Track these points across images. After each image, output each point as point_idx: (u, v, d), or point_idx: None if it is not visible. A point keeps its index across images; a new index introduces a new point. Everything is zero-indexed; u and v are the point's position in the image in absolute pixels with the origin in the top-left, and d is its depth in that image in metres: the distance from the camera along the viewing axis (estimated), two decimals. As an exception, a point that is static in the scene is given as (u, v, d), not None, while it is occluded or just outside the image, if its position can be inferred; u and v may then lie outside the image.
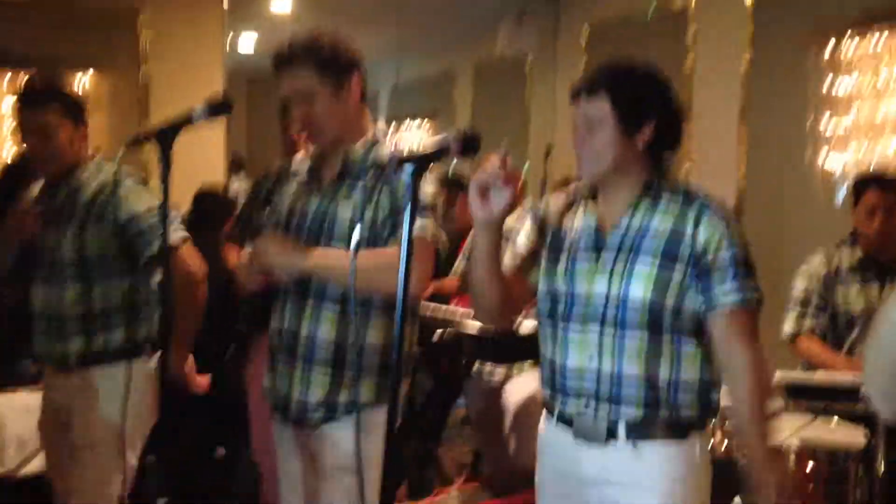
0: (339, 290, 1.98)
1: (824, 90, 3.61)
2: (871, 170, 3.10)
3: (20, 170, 3.63)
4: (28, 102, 2.40)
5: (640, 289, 1.72)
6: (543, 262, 1.90)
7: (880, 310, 0.97)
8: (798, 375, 2.75)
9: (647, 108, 1.77)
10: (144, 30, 5.29)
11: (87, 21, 5.19)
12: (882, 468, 2.34)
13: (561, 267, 1.84)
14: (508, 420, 3.38)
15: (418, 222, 1.90)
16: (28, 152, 2.44)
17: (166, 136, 1.79)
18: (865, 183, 2.88)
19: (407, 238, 1.46)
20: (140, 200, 2.39)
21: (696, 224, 1.73)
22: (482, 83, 7.24)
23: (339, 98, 2.02)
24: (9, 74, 5.21)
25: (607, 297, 1.75)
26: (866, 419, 2.41)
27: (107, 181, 2.41)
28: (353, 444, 1.90)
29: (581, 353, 1.78)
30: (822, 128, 3.62)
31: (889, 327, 0.92)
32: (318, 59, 1.98)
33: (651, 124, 1.76)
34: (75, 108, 2.43)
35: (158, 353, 2.41)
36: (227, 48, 5.67)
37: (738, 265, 1.72)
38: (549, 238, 1.91)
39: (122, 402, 2.33)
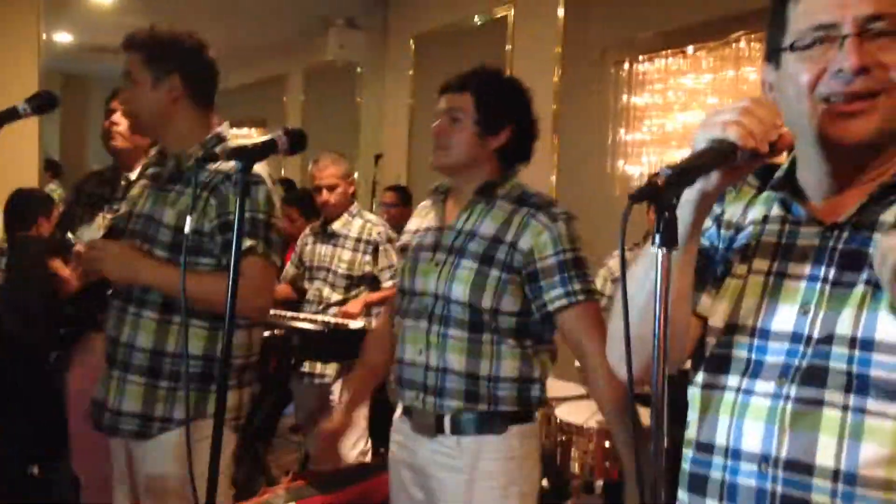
0: (159, 299, 1.92)
1: (621, 105, 3.96)
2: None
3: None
4: None
5: (460, 289, 1.81)
6: (404, 261, 1.99)
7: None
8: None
9: (506, 114, 1.87)
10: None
11: None
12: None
13: (407, 264, 1.94)
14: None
15: (254, 238, 1.88)
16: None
17: (-16, 133, 1.76)
18: None
19: (236, 240, 1.45)
20: None
21: (521, 230, 1.80)
22: (312, 89, 7.26)
23: (156, 88, 1.97)
24: None
25: (435, 295, 1.84)
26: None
27: None
28: (175, 462, 1.88)
29: (414, 347, 1.87)
30: (620, 139, 3.97)
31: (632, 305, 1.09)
32: (145, 47, 1.98)
33: (507, 130, 1.86)
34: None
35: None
36: (43, 43, 5.39)
37: (566, 268, 1.79)
38: (406, 237, 2.01)
39: None
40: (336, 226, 3.52)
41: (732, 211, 1.16)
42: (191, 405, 1.90)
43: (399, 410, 1.96)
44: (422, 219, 2.01)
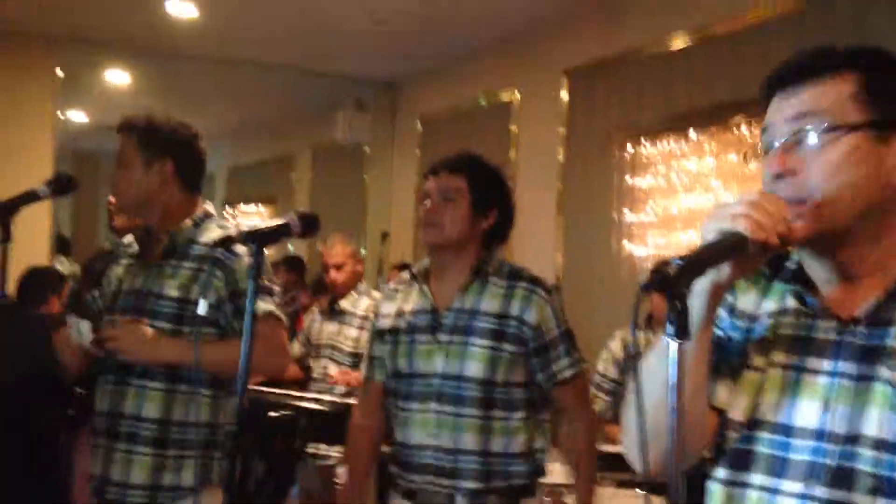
0: (164, 369, 1.95)
1: (626, 187, 4.01)
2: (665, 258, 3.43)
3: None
4: None
5: (473, 367, 1.85)
6: (386, 345, 2.00)
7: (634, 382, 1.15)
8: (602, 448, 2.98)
9: (494, 197, 1.99)
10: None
11: None
12: None
13: (402, 347, 1.95)
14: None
15: (267, 303, 1.98)
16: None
17: (4, 213, 1.79)
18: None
19: (250, 313, 1.52)
20: None
21: (526, 304, 1.89)
22: (320, 168, 7.37)
23: (146, 172, 2.03)
24: None
25: (444, 376, 1.87)
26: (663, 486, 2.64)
27: None
28: None
29: (422, 429, 1.88)
30: (625, 219, 4.00)
31: (644, 395, 1.09)
32: (140, 131, 2.04)
33: (495, 212, 1.98)
34: None
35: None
36: (58, 122, 5.52)
37: (566, 340, 1.93)
38: (388, 321, 2.02)
39: None
40: (344, 303, 3.55)
41: (745, 300, 1.16)
42: (197, 473, 1.94)
43: (395, 496, 1.96)
44: (397, 302, 2.03)
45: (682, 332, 0.95)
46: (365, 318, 3.48)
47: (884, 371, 1.00)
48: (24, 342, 3.29)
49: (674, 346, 0.97)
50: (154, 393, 1.96)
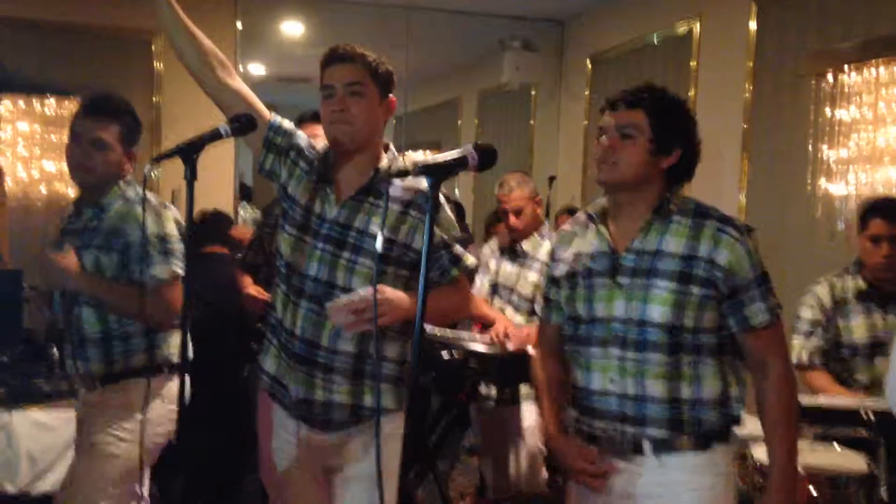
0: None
1: (824, 120, 3.66)
2: (875, 197, 3.11)
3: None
4: (90, 113, 2.43)
5: (657, 311, 1.76)
6: (563, 289, 1.95)
7: None
8: (801, 399, 2.77)
9: (678, 133, 1.85)
10: (158, 56, 5.40)
11: (101, 48, 5.30)
12: (884, 494, 2.36)
13: (580, 291, 1.89)
14: (518, 443, 3.38)
15: (471, 257, 2.13)
16: (69, 159, 2.45)
17: (190, 153, 1.84)
18: (871, 211, 2.86)
19: (427, 243, 1.51)
20: (155, 225, 2.38)
21: (715, 245, 1.77)
22: (486, 112, 7.32)
23: (379, 106, 2.08)
24: (22, 100, 5.31)
25: (626, 321, 1.79)
26: (867, 445, 2.43)
27: (129, 204, 2.40)
28: (375, 450, 1.93)
29: (603, 375, 1.82)
30: (822, 156, 3.66)
31: None
32: (371, 64, 2.07)
33: (678, 149, 1.84)
34: (132, 133, 2.48)
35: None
36: (241, 75, 5.76)
37: (762, 284, 1.79)
38: (564, 266, 1.97)
39: (139, 420, 2.33)
40: (525, 246, 3.39)
41: None
42: (392, 401, 2.08)
43: (579, 439, 1.90)
44: (574, 244, 1.95)
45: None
46: (547, 263, 3.36)
47: None
48: (222, 283, 3.50)
49: None
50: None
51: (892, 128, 3.39)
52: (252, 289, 3.09)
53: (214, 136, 1.90)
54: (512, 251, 3.41)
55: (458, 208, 5.71)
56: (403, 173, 1.90)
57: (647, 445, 1.79)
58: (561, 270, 1.96)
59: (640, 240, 1.82)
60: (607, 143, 1.84)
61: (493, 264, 3.50)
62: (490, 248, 3.59)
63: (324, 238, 2.05)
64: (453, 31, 6.50)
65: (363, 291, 1.90)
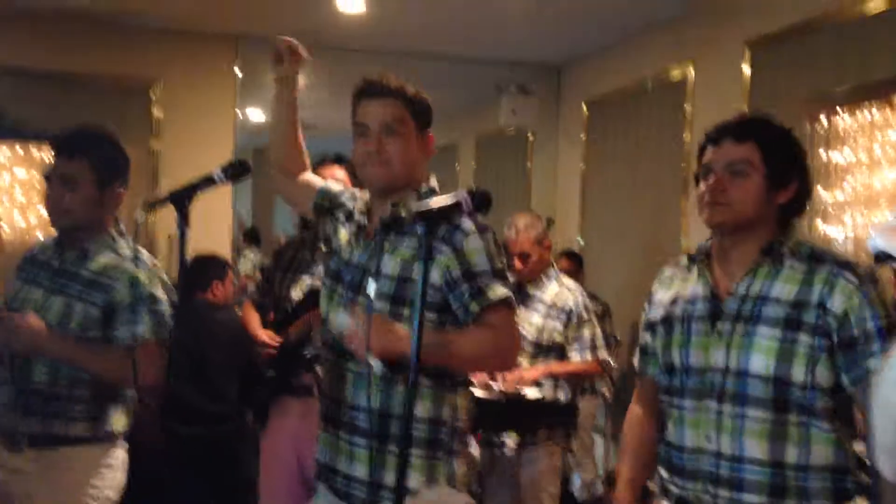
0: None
1: (819, 162, 3.67)
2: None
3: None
4: (58, 151, 2.24)
5: (761, 361, 1.60)
6: (659, 336, 1.79)
7: (880, 373, 0.98)
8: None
9: (793, 166, 1.70)
10: (157, 103, 5.44)
11: (100, 95, 5.35)
12: None
13: (676, 337, 1.74)
14: (520, 492, 3.31)
15: (502, 288, 1.80)
16: (45, 203, 2.27)
17: (183, 198, 1.81)
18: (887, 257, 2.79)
19: (421, 291, 1.46)
20: (147, 284, 2.20)
21: (829, 290, 1.59)
22: (484, 156, 7.36)
23: (418, 140, 1.91)
24: (20, 146, 5.35)
25: (725, 371, 1.64)
26: (867, 490, 2.35)
27: (119, 259, 2.21)
28: None
29: (697, 431, 1.67)
30: (818, 198, 3.66)
31: (888, 387, 0.93)
32: (408, 98, 1.91)
33: (795, 184, 1.69)
34: (109, 168, 2.24)
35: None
36: (238, 121, 5.79)
37: (883, 335, 1.57)
38: (661, 310, 1.81)
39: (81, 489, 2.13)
40: (530, 288, 3.34)
41: None
42: (423, 473, 1.80)
43: (665, 501, 1.75)
44: (673, 288, 1.80)
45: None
46: (552, 305, 3.27)
47: None
48: (203, 330, 3.46)
49: None
50: (372, 381, 1.80)
51: (888, 171, 3.39)
52: (262, 332, 3.03)
53: (207, 182, 1.88)
54: (518, 294, 3.37)
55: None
56: (399, 221, 1.84)
57: None
58: (657, 315, 1.81)
59: (746, 284, 1.66)
60: (715, 180, 1.68)
61: None
62: None
63: (348, 285, 1.90)
64: (451, 76, 6.56)
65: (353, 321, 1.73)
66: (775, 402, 1.59)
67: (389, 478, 1.76)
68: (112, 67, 5.33)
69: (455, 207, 1.54)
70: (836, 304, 1.58)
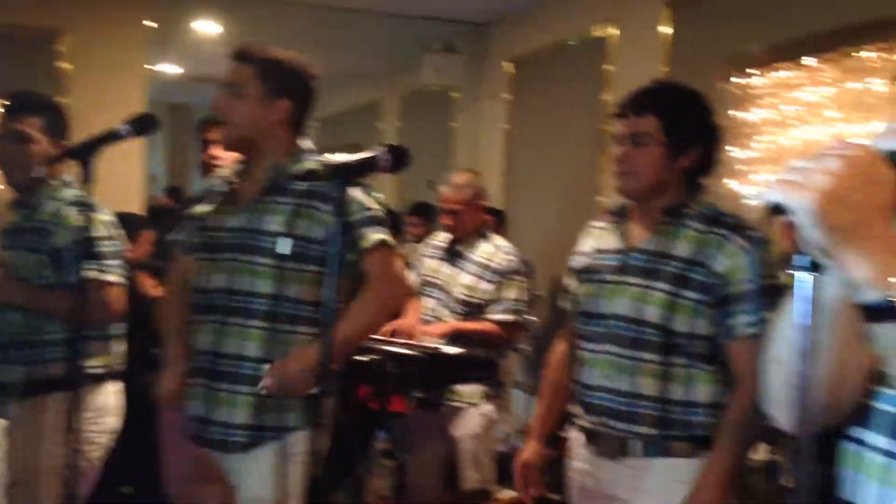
0: (265, 308, 1.95)
1: (732, 122, 3.75)
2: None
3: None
4: (11, 110, 2.40)
5: (653, 311, 1.75)
6: (578, 284, 1.95)
7: (772, 331, 1.01)
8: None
9: (693, 132, 1.81)
10: (64, 57, 5.19)
11: (4, 46, 5.07)
12: (786, 482, 2.42)
13: (590, 287, 1.89)
14: (447, 446, 3.34)
15: (379, 233, 1.98)
16: (1, 159, 2.42)
17: (84, 153, 1.78)
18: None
19: (335, 250, 1.50)
20: (85, 227, 2.28)
21: (718, 251, 1.73)
22: (408, 115, 7.30)
23: (264, 104, 1.99)
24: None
25: (625, 318, 1.79)
26: (766, 434, 2.49)
27: (59, 204, 2.36)
28: (275, 471, 1.89)
29: (600, 371, 1.82)
30: (732, 157, 3.76)
31: (777, 345, 0.97)
32: (258, 61, 1.99)
33: (696, 148, 1.80)
34: (57, 126, 2.41)
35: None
36: (150, 74, 5.59)
37: (757, 296, 1.71)
38: (583, 259, 1.97)
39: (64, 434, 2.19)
40: (460, 247, 3.32)
41: None
42: (298, 417, 1.96)
43: (577, 435, 1.92)
44: (597, 240, 1.95)
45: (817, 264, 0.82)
46: (483, 266, 3.25)
47: None
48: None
49: (807, 279, 0.83)
50: (254, 332, 1.95)
51: (794, 130, 3.50)
52: (155, 291, 2.98)
53: (111, 136, 1.84)
54: (448, 251, 3.36)
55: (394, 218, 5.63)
56: (311, 174, 1.89)
57: (635, 445, 1.78)
58: (579, 263, 1.97)
59: (651, 241, 1.82)
60: (621, 152, 1.82)
61: (426, 262, 3.41)
62: (431, 245, 3.48)
63: (228, 248, 2.00)
64: (374, 32, 6.46)
65: (268, 379, 1.92)
66: (664, 347, 1.75)
67: (269, 420, 1.95)
68: (16, 18, 5.05)
69: (372, 162, 1.54)
70: (722, 265, 1.73)
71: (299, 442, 1.95)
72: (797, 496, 0.88)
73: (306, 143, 2.10)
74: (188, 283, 2.08)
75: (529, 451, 2.08)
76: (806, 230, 0.81)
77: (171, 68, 7.33)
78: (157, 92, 5.81)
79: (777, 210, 0.82)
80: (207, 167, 2.93)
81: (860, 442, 0.94)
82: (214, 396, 1.98)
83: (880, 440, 0.91)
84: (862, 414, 0.94)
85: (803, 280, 0.84)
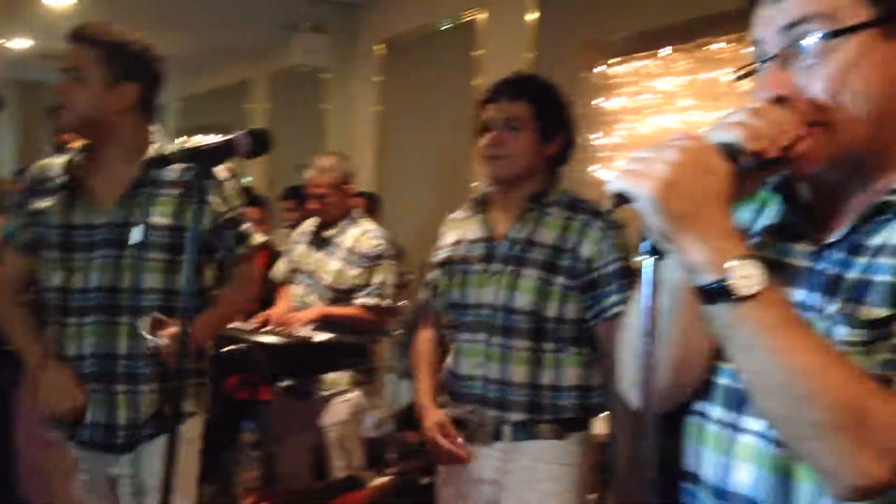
0: (157, 303, 1.87)
1: (594, 110, 3.88)
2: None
3: None
4: None
5: (523, 298, 1.80)
6: (443, 276, 1.96)
7: (625, 316, 1.06)
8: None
9: (559, 120, 1.89)
10: None
11: None
12: (624, 456, 2.53)
13: (456, 278, 1.91)
14: (313, 435, 3.31)
15: (252, 237, 2.00)
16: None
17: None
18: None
19: (193, 235, 1.46)
20: None
21: (581, 238, 1.81)
22: (277, 96, 7.13)
23: (108, 91, 1.87)
24: None
25: (495, 307, 1.83)
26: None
27: None
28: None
29: (471, 360, 1.85)
30: (593, 143, 3.89)
31: (630, 330, 1.01)
32: (98, 43, 1.86)
33: (561, 136, 1.88)
34: None
35: None
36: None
37: (621, 277, 1.81)
38: (446, 251, 1.99)
39: None
40: (328, 233, 3.28)
41: (743, 215, 1.03)
42: (194, 401, 1.95)
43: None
44: (459, 230, 1.96)
45: (659, 249, 0.86)
46: (351, 251, 3.21)
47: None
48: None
49: (650, 262, 0.87)
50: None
51: (651, 118, 3.65)
52: None
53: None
54: (317, 237, 3.30)
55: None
56: (165, 160, 1.81)
57: (506, 430, 1.82)
58: (442, 255, 1.97)
59: (516, 229, 1.85)
60: (493, 136, 1.84)
61: (297, 249, 3.36)
62: (300, 231, 3.44)
63: (99, 245, 1.88)
64: (241, 10, 6.26)
65: (157, 341, 1.83)
66: (533, 332, 1.80)
67: (167, 410, 1.88)
68: None
69: (229, 146, 1.50)
70: (586, 250, 1.81)
71: (194, 427, 1.93)
72: (641, 470, 0.92)
73: (157, 128, 2.02)
74: (28, 284, 1.96)
75: (432, 416, 2.02)
76: (647, 217, 0.84)
77: (20, 43, 6.85)
78: (5, 68, 5.40)
79: (622, 198, 0.85)
80: (61, 149, 2.77)
81: (702, 415, 1.00)
82: (114, 400, 1.87)
83: (717, 411, 0.97)
84: (705, 389, 0.99)
85: (647, 264, 0.87)
